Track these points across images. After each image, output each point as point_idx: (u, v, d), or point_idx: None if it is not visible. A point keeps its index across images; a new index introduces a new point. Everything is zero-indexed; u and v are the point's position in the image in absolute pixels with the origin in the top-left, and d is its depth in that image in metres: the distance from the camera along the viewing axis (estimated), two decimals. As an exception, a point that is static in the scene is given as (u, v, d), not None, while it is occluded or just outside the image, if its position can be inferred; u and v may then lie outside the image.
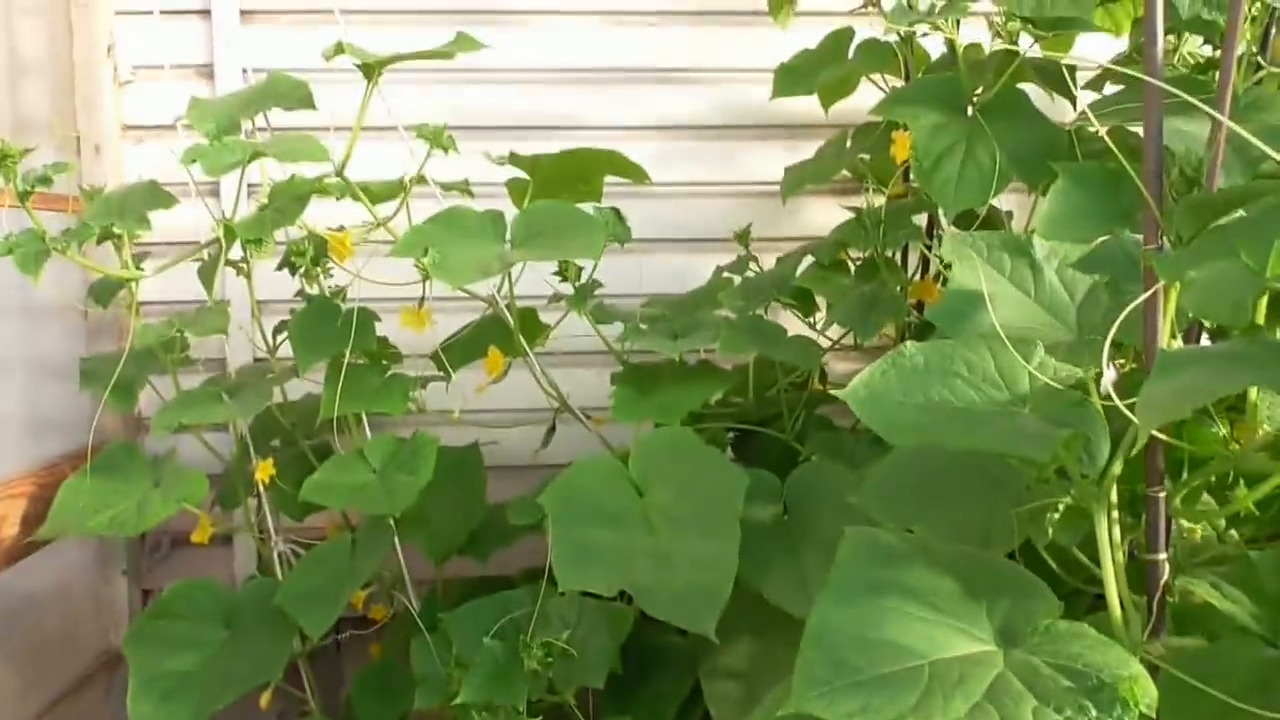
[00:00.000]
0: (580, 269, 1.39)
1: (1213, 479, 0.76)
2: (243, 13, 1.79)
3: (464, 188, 1.48)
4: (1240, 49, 1.37)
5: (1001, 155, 1.16)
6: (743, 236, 1.63)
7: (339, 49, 1.28)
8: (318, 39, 1.31)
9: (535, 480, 1.34)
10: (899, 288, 1.30)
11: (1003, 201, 1.42)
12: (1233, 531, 0.78)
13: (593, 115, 1.82)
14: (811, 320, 1.47)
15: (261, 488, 1.46)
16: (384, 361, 1.42)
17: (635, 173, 1.44)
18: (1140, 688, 0.60)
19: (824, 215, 1.74)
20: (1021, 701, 0.61)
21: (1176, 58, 1.27)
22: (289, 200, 1.30)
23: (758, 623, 1.21)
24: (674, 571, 1.10)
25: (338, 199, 1.39)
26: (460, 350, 1.46)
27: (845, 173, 1.63)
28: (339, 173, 1.34)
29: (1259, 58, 1.18)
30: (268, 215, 1.31)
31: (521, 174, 1.45)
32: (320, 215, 1.42)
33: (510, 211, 1.32)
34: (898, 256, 1.53)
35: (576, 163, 1.43)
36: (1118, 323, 0.69)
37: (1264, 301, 0.72)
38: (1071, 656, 0.64)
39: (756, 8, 1.69)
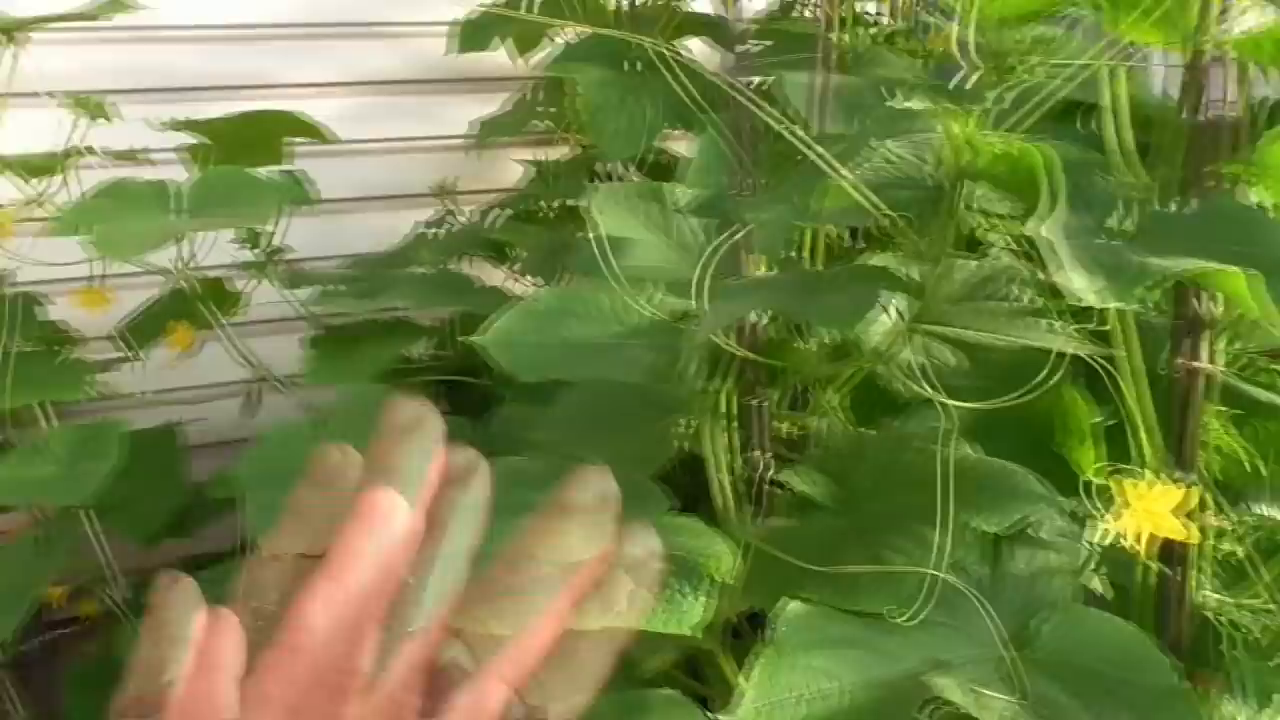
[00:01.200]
0: (269, 235, 1.38)
1: (809, 387, 0.89)
2: None
3: (137, 156, 1.41)
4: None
5: (658, 107, 1.25)
6: (441, 191, 1.66)
7: (-39, 11, 1.18)
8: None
9: (242, 452, 1.33)
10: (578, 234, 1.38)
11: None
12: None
13: (278, 73, 1.77)
14: (508, 269, 1.53)
15: (-65, 492, 1.35)
16: (58, 347, 1.35)
17: (315, 133, 1.43)
18: (720, 562, 0.71)
19: (522, 167, 1.80)
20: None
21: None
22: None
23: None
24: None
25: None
26: (146, 327, 1.41)
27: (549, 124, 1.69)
28: (-17, 149, 1.25)
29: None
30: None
31: (201, 140, 1.41)
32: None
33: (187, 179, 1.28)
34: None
35: (254, 126, 1.41)
36: (708, 256, 0.79)
37: (809, 238, 0.85)
38: (675, 545, 0.75)
39: (438, -41, 1.70)
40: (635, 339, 0.81)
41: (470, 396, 1.50)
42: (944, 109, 0.56)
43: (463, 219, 1.66)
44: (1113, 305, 0.52)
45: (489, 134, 1.57)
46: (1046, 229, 0.50)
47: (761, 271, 0.85)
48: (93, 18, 1.23)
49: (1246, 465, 0.74)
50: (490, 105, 1.76)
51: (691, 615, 0.69)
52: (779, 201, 0.75)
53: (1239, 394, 0.77)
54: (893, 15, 1.39)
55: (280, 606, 0.34)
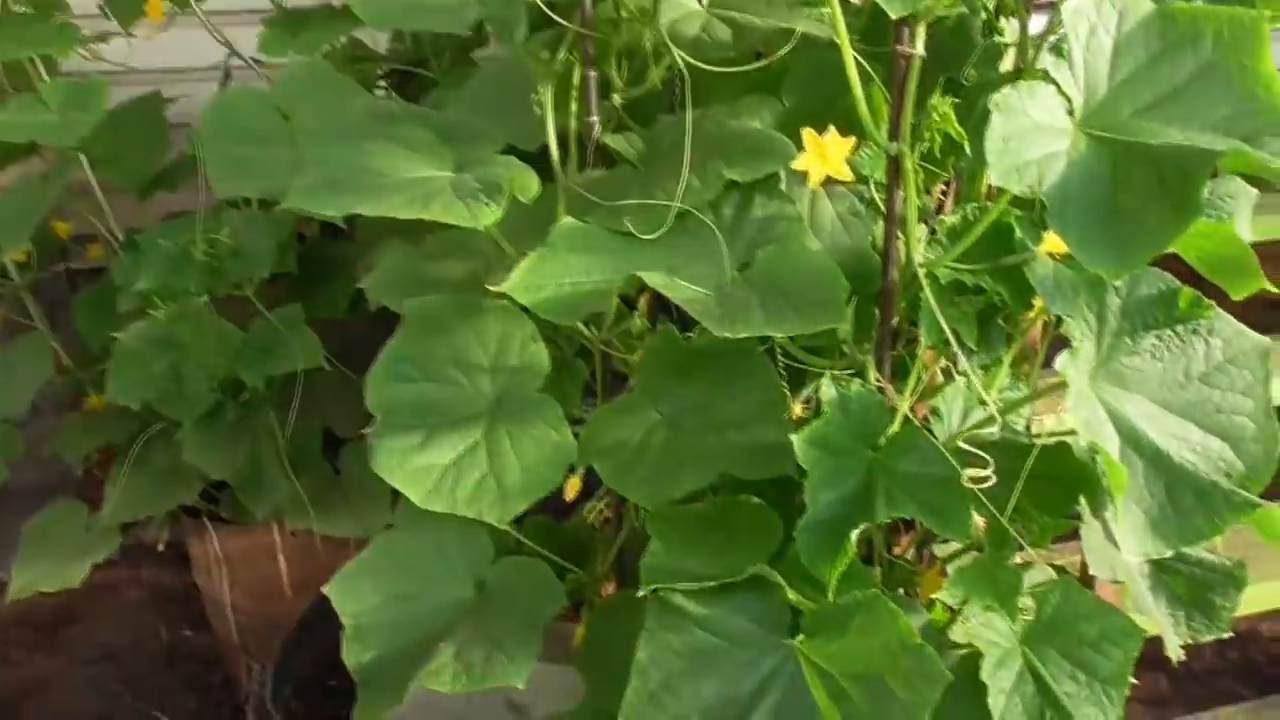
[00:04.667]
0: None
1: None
2: None
3: None
4: None
5: None
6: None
7: None
8: None
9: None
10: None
11: None
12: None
13: None
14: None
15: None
16: (50, 8, 1.54)
17: None
18: (522, 186, 0.92)
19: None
20: (445, 197, 0.92)
21: None
22: None
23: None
24: (311, 172, 1.35)
25: None
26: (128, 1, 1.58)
27: None
28: None
29: None
30: None
31: None
32: None
33: None
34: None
35: None
36: None
37: None
38: (497, 174, 0.95)
39: None
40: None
41: (421, 82, 1.68)
42: None
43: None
44: None
45: None
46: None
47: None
48: None
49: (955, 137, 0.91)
50: None
51: (487, 217, 0.90)
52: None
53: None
54: None
55: None
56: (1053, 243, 0.85)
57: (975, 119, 0.89)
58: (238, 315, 1.46)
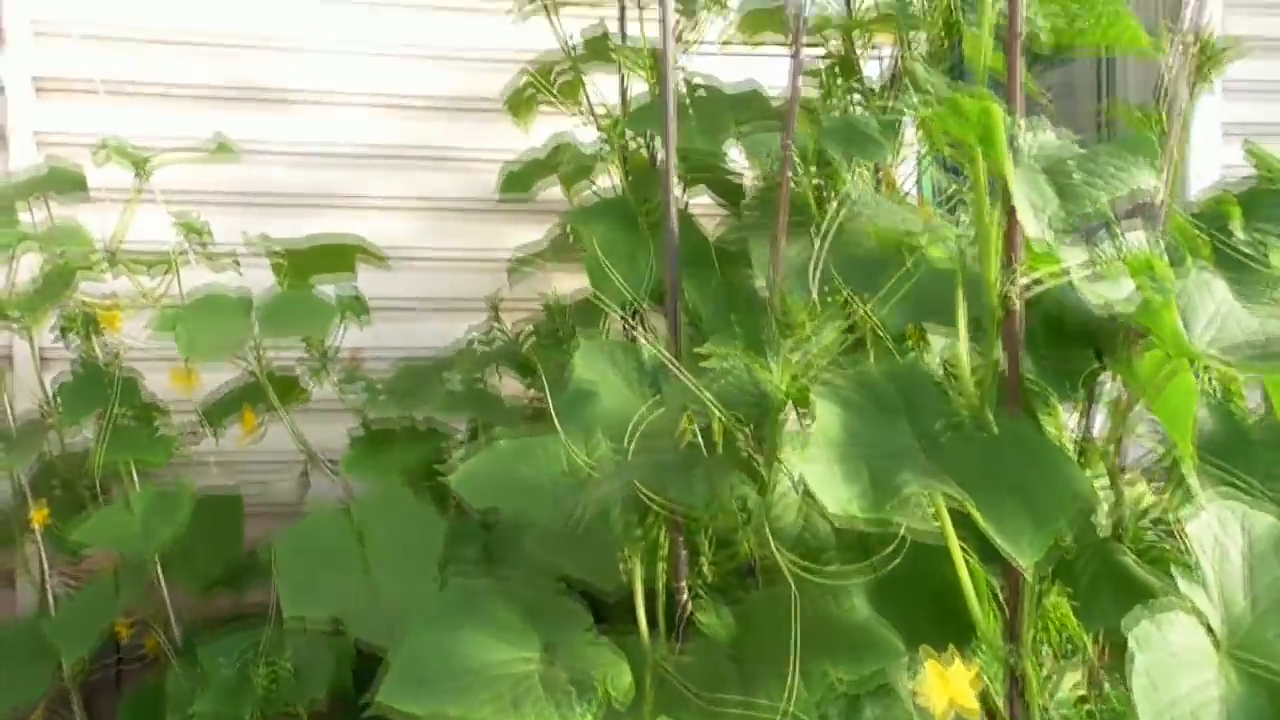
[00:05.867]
0: (330, 343, 1.62)
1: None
2: (37, 88, 1.94)
3: (232, 261, 1.68)
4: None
5: (658, 263, 1.45)
6: (493, 303, 1.90)
7: (106, 150, 1.47)
8: (105, 113, 1.49)
9: (296, 521, 1.55)
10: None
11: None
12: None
13: (363, 190, 2.05)
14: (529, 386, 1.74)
15: (38, 530, 1.62)
16: (153, 417, 1.61)
17: (377, 257, 1.68)
18: (614, 681, 0.88)
19: (563, 284, 2.02)
20: (535, 697, 0.88)
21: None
22: (57, 278, 1.48)
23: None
24: (381, 603, 1.34)
25: (109, 271, 1.57)
26: (223, 408, 1.66)
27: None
28: (111, 253, 1.53)
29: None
30: (40, 293, 1.48)
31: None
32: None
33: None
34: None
35: (330, 247, 1.66)
36: (632, 427, 0.97)
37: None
38: (587, 662, 0.91)
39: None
40: (574, 484, 0.99)
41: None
42: (759, 363, 0.74)
43: (507, 330, 1.88)
44: (859, 514, 0.66)
45: (522, 264, 1.79)
46: (807, 459, 0.66)
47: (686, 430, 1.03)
48: (209, 152, 1.50)
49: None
50: (542, 228, 2.00)
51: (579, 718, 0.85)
52: (683, 387, 0.92)
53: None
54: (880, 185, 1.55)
55: None
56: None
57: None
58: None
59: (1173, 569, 0.79)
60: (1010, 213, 0.71)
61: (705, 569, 1.05)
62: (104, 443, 1.52)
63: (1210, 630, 0.75)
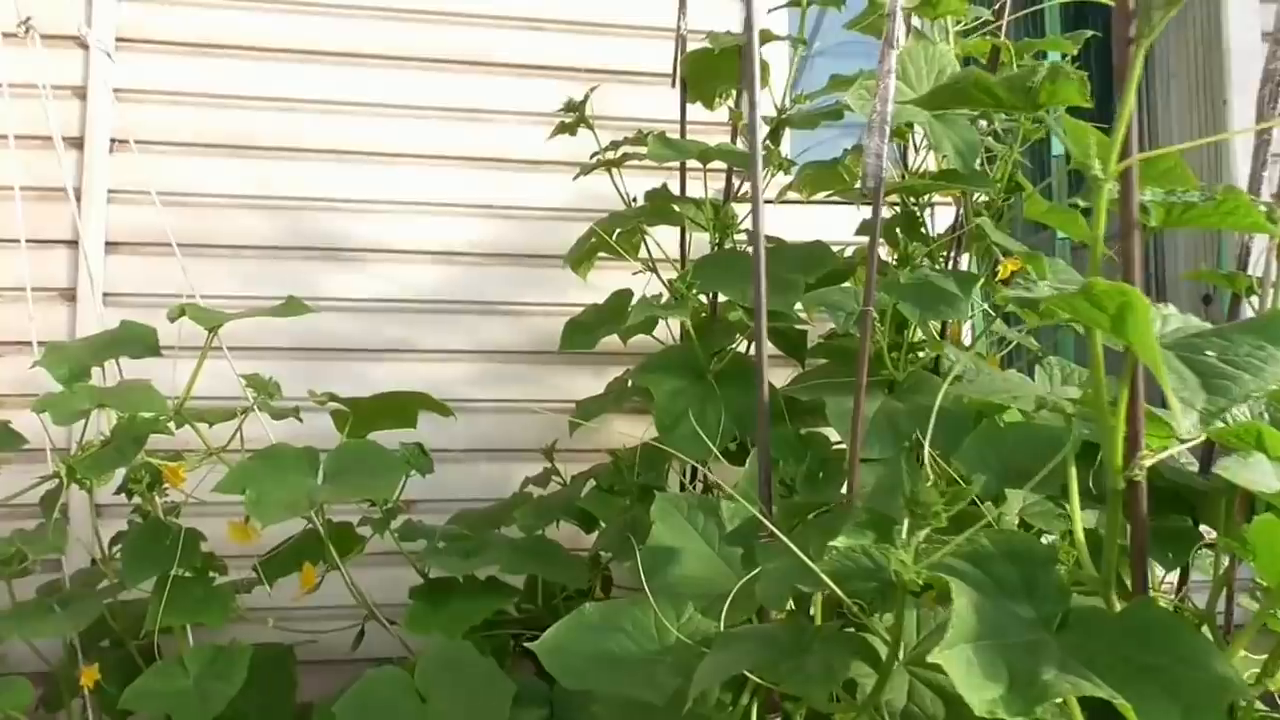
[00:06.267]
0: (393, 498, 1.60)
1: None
2: (108, 244, 2.00)
3: (295, 414, 1.69)
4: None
5: (727, 416, 1.44)
6: (549, 452, 1.89)
7: (181, 312, 1.50)
8: (174, 271, 1.52)
9: (350, 674, 1.51)
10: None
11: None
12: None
13: (421, 340, 2.08)
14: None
15: (86, 691, 1.57)
16: (210, 572, 1.59)
17: (441, 409, 1.68)
18: None
19: (618, 430, 2.01)
20: None
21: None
22: (128, 440, 1.48)
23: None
24: None
25: (175, 431, 1.58)
26: (281, 562, 1.64)
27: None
28: (178, 410, 1.54)
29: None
30: (108, 454, 1.48)
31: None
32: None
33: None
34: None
35: (393, 399, 1.67)
36: (734, 593, 0.94)
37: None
38: None
39: (563, 253, 1.99)
40: (666, 658, 0.95)
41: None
42: (883, 549, 0.72)
43: (564, 478, 1.87)
44: (1006, 717, 0.63)
45: (584, 415, 1.79)
46: (948, 656, 0.63)
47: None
48: (280, 315, 1.53)
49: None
50: (599, 377, 2.00)
51: None
52: (787, 554, 0.90)
53: None
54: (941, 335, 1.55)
55: None
56: None
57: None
58: None
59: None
60: (1133, 391, 0.71)
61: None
62: (163, 603, 1.50)
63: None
